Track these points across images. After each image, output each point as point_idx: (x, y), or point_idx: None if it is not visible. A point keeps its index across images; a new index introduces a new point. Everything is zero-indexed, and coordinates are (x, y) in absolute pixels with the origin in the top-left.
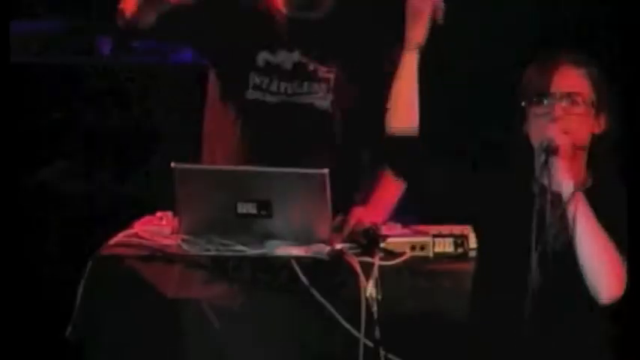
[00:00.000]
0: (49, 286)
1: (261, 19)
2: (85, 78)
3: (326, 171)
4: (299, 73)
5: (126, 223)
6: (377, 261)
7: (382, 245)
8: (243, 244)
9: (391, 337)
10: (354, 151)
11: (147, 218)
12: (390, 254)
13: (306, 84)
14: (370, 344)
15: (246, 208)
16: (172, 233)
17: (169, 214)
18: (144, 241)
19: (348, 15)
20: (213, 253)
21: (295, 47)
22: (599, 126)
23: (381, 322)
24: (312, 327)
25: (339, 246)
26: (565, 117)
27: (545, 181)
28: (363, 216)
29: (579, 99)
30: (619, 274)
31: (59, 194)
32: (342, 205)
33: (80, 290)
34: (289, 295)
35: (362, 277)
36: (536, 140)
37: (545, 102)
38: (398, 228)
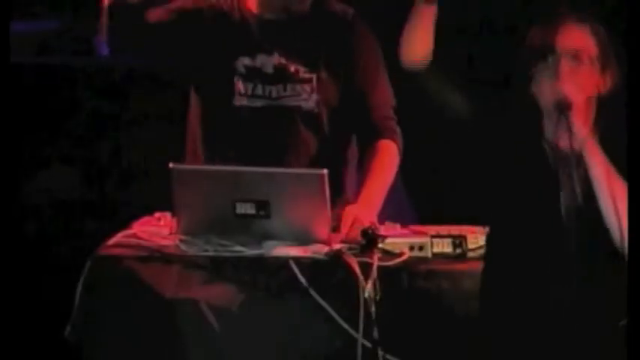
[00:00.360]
0: (48, 286)
1: (234, 25)
2: (83, 78)
3: (325, 171)
4: (281, 76)
5: (124, 224)
6: (376, 261)
7: (381, 245)
8: (242, 245)
9: (389, 337)
10: (341, 150)
11: (145, 219)
12: (388, 254)
13: (289, 86)
14: (369, 344)
15: (244, 208)
16: (170, 234)
17: (167, 214)
18: (142, 242)
19: (323, 13)
20: (211, 253)
21: (273, 50)
22: (605, 84)
23: (379, 323)
24: (310, 327)
25: (337, 246)
26: (571, 74)
27: (559, 140)
28: (360, 215)
29: (584, 56)
30: None
31: (58, 195)
32: (332, 204)
33: (78, 290)
34: (288, 296)
35: (360, 278)
36: (544, 99)
37: (550, 59)
38: (397, 228)
